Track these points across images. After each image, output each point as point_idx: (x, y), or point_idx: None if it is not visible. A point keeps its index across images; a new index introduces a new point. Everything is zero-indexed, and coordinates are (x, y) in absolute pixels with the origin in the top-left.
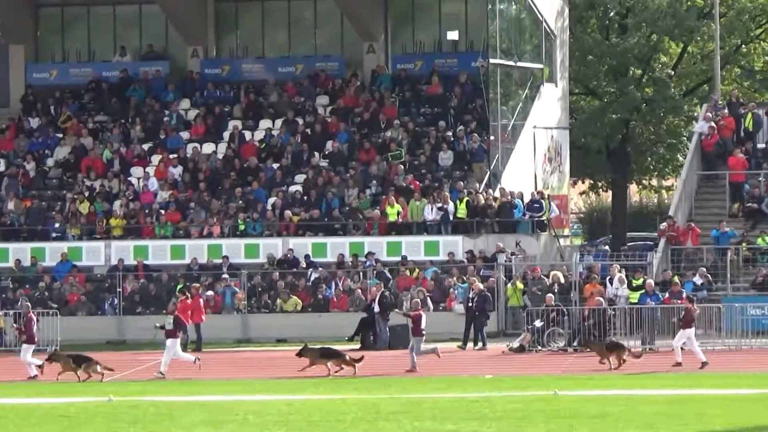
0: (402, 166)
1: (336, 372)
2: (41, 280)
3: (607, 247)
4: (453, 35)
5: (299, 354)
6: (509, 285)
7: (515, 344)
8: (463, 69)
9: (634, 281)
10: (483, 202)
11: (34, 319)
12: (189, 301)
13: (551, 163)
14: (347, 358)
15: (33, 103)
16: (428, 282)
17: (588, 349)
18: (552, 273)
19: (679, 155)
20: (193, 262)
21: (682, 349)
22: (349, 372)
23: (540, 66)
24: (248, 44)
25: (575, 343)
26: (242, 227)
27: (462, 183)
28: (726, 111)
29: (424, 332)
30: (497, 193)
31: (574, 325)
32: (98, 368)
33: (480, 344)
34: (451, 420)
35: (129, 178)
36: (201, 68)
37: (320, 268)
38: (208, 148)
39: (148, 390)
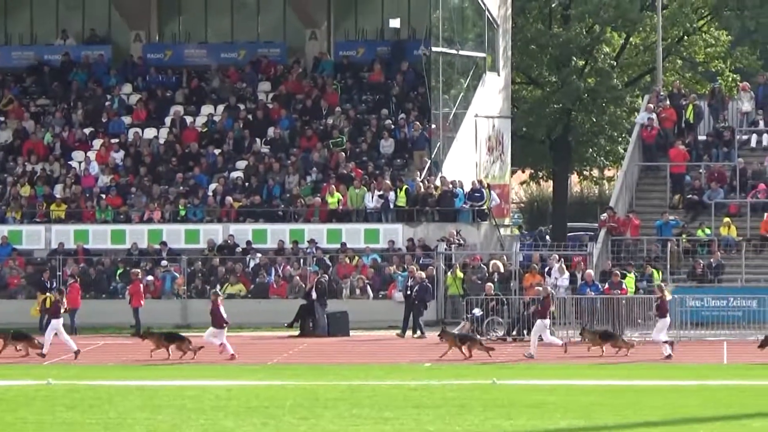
0: (343, 154)
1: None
2: None
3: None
4: (395, 23)
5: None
6: (449, 274)
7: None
8: (405, 57)
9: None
10: (423, 190)
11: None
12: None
13: (492, 152)
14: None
15: None
16: (368, 270)
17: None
18: (492, 262)
19: (620, 146)
20: (134, 247)
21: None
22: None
23: (482, 55)
24: (191, 29)
25: (514, 332)
26: (183, 213)
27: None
28: (668, 102)
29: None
30: (438, 182)
31: (514, 315)
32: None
33: (419, 332)
34: (389, 408)
35: (70, 162)
36: (143, 53)
37: (259, 255)
38: (149, 132)
39: (87, 374)
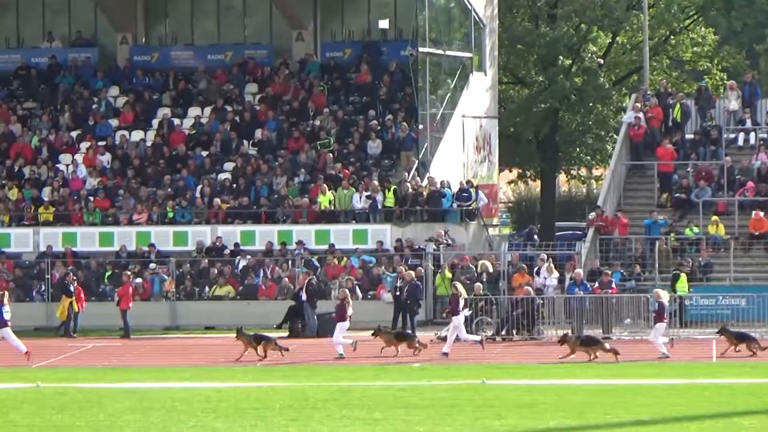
0: (331, 155)
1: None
2: None
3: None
4: (384, 24)
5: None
6: (438, 274)
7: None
8: (392, 57)
9: None
10: (411, 190)
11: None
12: None
13: (480, 152)
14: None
15: None
16: (356, 270)
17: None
18: (480, 262)
19: (607, 145)
20: (122, 249)
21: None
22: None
23: (469, 55)
24: (178, 31)
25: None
26: (171, 215)
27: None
28: (655, 101)
29: None
30: (426, 182)
31: (503, 314)
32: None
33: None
34: (379, 408)
35: (58, 165)
36: (130, 55)
37: (248, 256)
38: (136, 135)
39: (76, 376)
